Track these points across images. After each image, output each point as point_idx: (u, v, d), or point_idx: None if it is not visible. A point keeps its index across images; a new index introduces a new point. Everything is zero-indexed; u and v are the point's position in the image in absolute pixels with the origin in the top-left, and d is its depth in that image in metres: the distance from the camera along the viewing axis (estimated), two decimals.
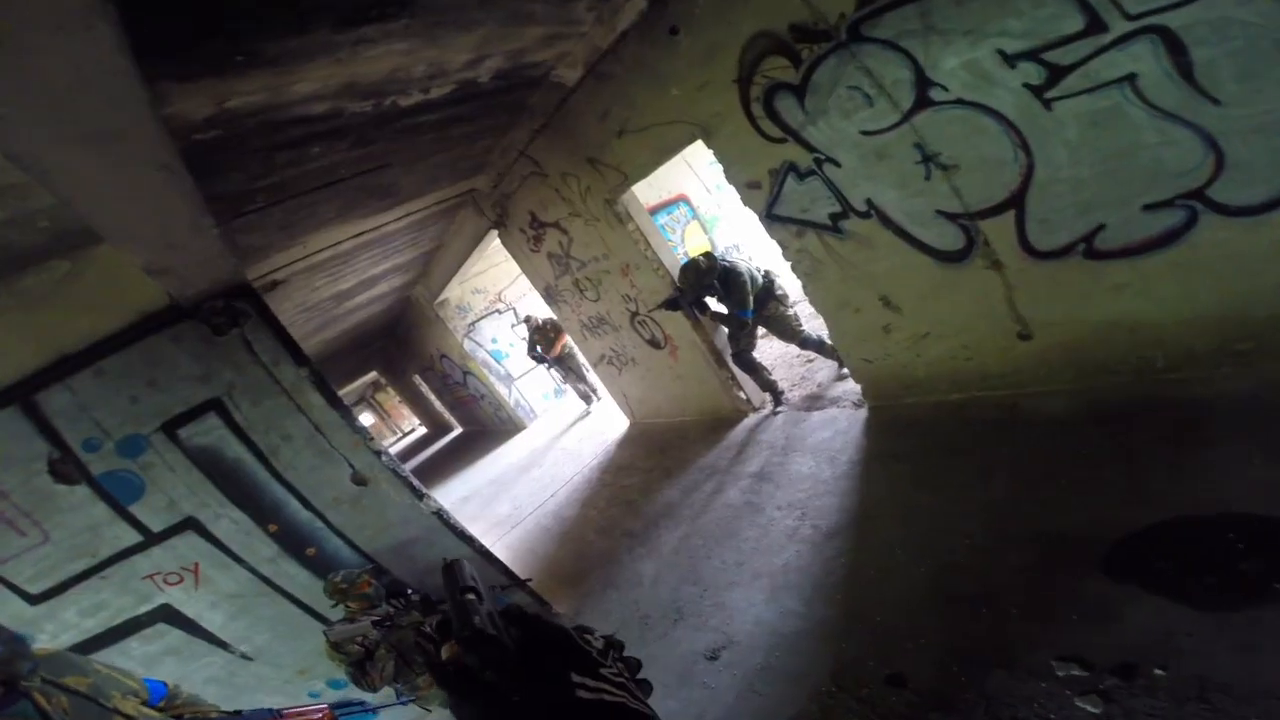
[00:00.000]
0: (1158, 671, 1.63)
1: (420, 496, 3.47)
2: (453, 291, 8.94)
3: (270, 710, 2.45)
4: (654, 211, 6.35)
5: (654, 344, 5.32)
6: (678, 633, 3.00)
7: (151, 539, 2.99)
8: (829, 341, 4.25)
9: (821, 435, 4.04)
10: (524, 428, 10.03)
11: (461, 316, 9.56)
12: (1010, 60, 2.38)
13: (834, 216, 3.27)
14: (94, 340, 2.85)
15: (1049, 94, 2.37)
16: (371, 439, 3.40)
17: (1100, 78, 2.25)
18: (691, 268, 4.36)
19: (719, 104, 3.30)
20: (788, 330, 4.53)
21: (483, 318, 9.85)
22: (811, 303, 3.88)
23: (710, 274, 4.30)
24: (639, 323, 5.29)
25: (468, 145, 4.36)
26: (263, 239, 3.91)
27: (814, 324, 4.58)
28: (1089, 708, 1.64)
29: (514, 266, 9.50)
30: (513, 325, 9.98)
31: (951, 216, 2.87)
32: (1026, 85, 2.39)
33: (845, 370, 4.30)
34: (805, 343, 4.54)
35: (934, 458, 3.17)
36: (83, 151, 1.40)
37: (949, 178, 2.76)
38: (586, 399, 8.19)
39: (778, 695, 2.34)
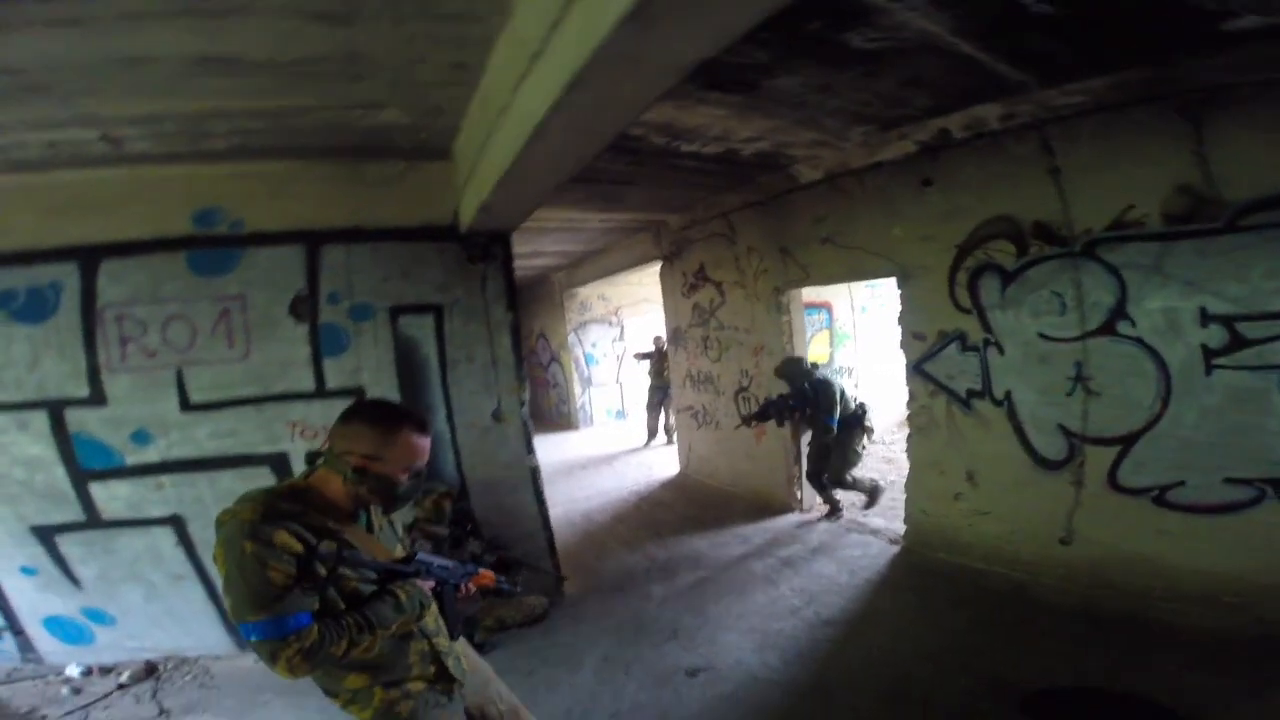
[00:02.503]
0: None
1: (530, 451, 3.99)
2: (585, 289, 9.81)
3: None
4: (809, 306, 6.89)
5: (746, 421, 5.80)
6: (668, 647, 3.37)
7: (321, 393, 3.41)
8: (881, 486, 4.75)
9: (852, 552, 4.39)
10: (578, 429, 10.62)
11: (580, 312, 10.43)
12: (1206, 319, 2.79)
13: (971, 392, 3.72)
14: (387, 226, 3.50)
15: (1217, 360, 2.79)
16: (527, 389, 3.97)
17: (1270, 359, 2.65)
18: (796, 361, 4.83)
19: (931, 259, 3.81)
20: (845, 459, 4.78)
21: (595, 321, 10.68)
22: (909, 452, 4.28)
23: (807, 375, 4.70)
24: (743, 397, 5.79)
25: (691, 190, 5.11)
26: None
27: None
28: None
29: (642, 291, 10.43)
30: (614, 340, 10.70)
31: (1068, 433, 3.30)
32: (1204, 345, 2.81)
33: (871, 507, 4.87)
34: (851, 480, 4.86)
35: (938, 601, 3.54)
36: (575, 135, 2.11)
37: (1087, 401, 3.21)
38: (652, 434, 8.64)
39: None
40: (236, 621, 1.21)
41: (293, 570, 1.21)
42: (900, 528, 4.42)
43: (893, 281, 4.18)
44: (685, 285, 6.40)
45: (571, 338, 10.44)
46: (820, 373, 4.81)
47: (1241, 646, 2.69)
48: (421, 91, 2.57)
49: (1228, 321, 2.74)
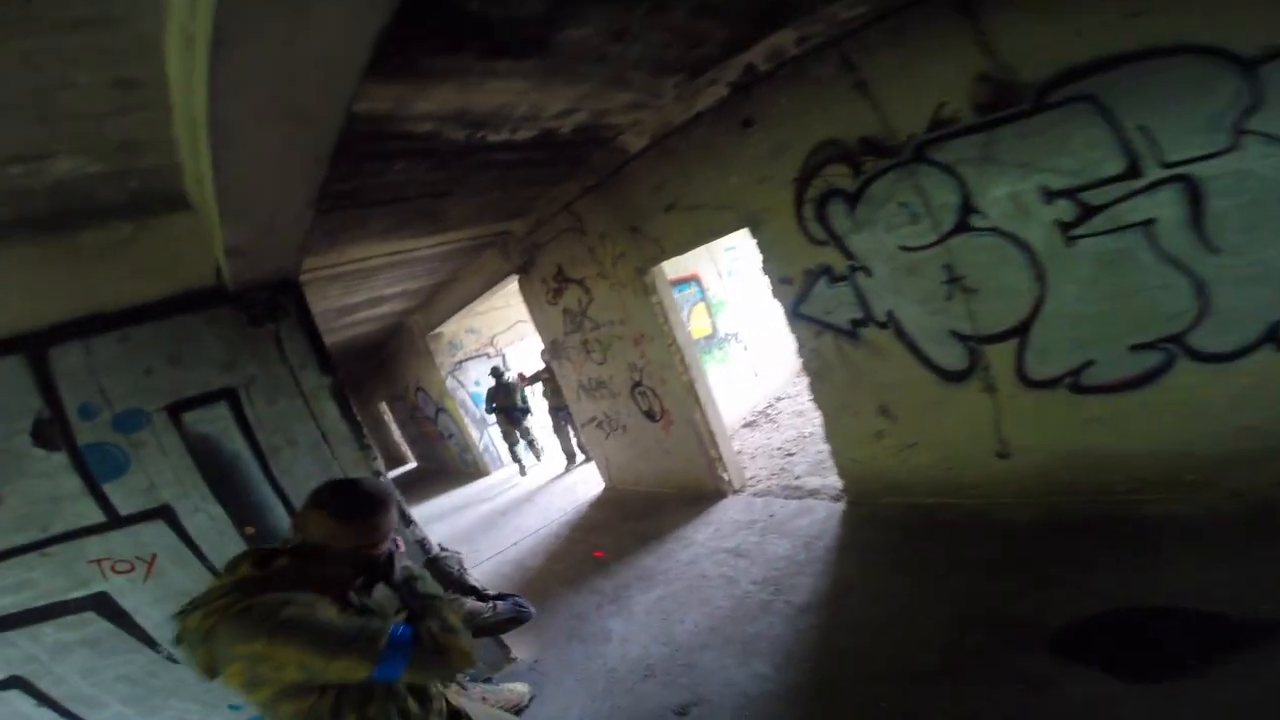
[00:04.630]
0: None
1: (409, 523, 3.41)
2: (449, 327, 9.03)
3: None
4: (677, 282, 6.66)
5: (650, 415, 5.46)
6: (646, 688, 2.99)
7: (116, 522, 2.79)
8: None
9: (799, 523, 4.17)
10: (488, 473, 9.86)
11: (451, 353, 9.61)
12: (1050, 196, 2.77)
13: (854, 322, 3.59)
14: (130, 305, 2.79)
15: (1074, 231, 2.76)
16: (376, 458, 3.39)
17: (1123, 220, 2.64)
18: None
19: (773, 199, 3.65)
20: None
21: (471, 358, 9.91)
22: (815, 401, 4.13)
23: None
24: (639, 393, 5.45)
25: (522, 189, 4.65)
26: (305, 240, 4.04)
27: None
28: None
29: (511, 313, 9.82)
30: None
31: (962, 338, 3.21)
32: (1057, 221, 2.78)
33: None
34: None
35: (905, 551, 3.38)
36: (273, 129, 1.54)
37: (968, 300, 3.12)
38: (570, 456, 8.14)
39: None
40: (364, 676, 1.24)
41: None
42: (837, 482, 4.26)
43: (745, 233, 3.99)
44: (548, 292, 5.95)
45: (450, 382, 9.60)
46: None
47: (1228, 527, 2.57)
48: (89, 125, 1.90)
49: (1071, 193, 2.73)
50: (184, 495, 2.87)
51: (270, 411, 3.05)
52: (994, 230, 2.95)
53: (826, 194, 3.42)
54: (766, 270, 3.93)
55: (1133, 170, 2.56)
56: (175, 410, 2.86)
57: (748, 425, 7.05)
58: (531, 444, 8.83)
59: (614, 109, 3.61)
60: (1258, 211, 2.38)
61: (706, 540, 4.46)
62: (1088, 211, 2.70)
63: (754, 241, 3.92)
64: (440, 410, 10.24)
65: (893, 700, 2.36)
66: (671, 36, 2.89)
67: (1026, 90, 2.70)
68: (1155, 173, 2.51)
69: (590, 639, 3.65)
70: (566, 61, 2.79)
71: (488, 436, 9.99)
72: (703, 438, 5.06)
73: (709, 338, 7.29)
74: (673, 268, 5.39)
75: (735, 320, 7.66)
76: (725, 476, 5.14)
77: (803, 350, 3.96)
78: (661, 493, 5.72)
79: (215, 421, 2.95)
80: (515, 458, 8.75)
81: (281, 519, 3.08)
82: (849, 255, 3.45)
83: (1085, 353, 2.91)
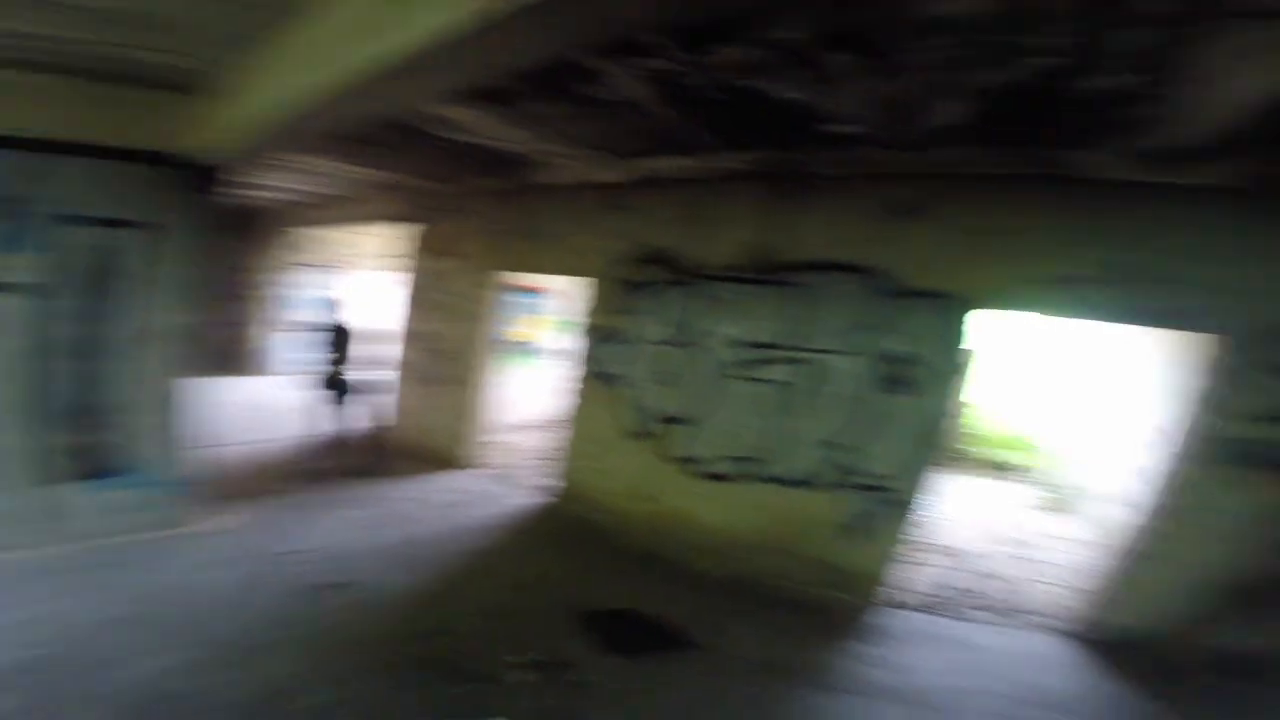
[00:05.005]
0: (571, 676, 3.16)
1: (189, 373, 4.33)
2: (314, 231, 9.50)
3: None
4: (525, 289, 7.74)
5: (442, 379, 6.53)
6: (296, 567, 4.00)
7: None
8: None
9: (507, 500, 5.58)
10: (267, 374, 9.92)
11: (298, 253, 9.94)
12: (740, 342, 4.38)
13: (614, 376, 5.13)
14: (105, 144, 3.63)
15: (738, 371, 4.40)
16: (199, 311, 4.26)
17: (764, 374, 4.28)
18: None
19: (612, 268, 5.08)
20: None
21: (312, 267, 10.17)
22: (571, 417, 5.48)
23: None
24: (447, 358, 6.51)
25: (445, 166, 5.59)
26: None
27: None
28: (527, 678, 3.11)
29: (371, 245, 10.20)
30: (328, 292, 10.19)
31: (655, 413, 4.85)
32: (734, 361, 4.40)
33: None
34: None
35: (562, 540, 4.80)
36: None
37: (669, 390, 4.81)
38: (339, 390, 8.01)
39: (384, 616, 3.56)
40: None
41: None
42: (558, 484, 5.58)
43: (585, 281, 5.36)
44: (434, 250, 6.79)
45: (291, 276, 9.83)
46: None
47: (723, 585, 4.19)
48: (204, 44, 2.97)
49: (751, 345, 4.33)
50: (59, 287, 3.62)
51: (157, 250, 3.90)
52: (706, 350, 4.57)
53: (642, 281, 4.87)
54: (587, 313, 5.30)
55: (788, 344, 4.18)
56: (88, 222, 3.65)
57: (529, 427, 8.09)
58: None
59: (551, 152, 4.70)
60: (824, 398, 4.10)
61: (423, 491, 5.58)
62: (752, 361, 4.33)
63: (586, 290, 5.29)
64: (260, 295, 10.18)
65: (480, 620, 3.57)
66: (607, 134, 4.06)
67: (775, 265, 4.20)
68: (797, 350, 4.14)
69: (274, 529, 4.53)
70: (525, 119, 3.93)
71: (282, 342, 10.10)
72: (465, 413, 6.25)
73: (529, 344, 8.44)
74: (527, 277, 6.61)
75: (559, 339, 8.61)
76: (472, 452, 6.34)
77: (580, 381, 5.35)
78: (421, 444, 6.62)
79: (117, 240, 3.77)
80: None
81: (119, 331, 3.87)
82: (632, 327, 4.97)
83: (708, 449, 4.59)
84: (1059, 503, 6.89)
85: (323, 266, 10.26)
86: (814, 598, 4.12)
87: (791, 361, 4.21)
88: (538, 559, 4.45)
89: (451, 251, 6.56)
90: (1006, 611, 4.23)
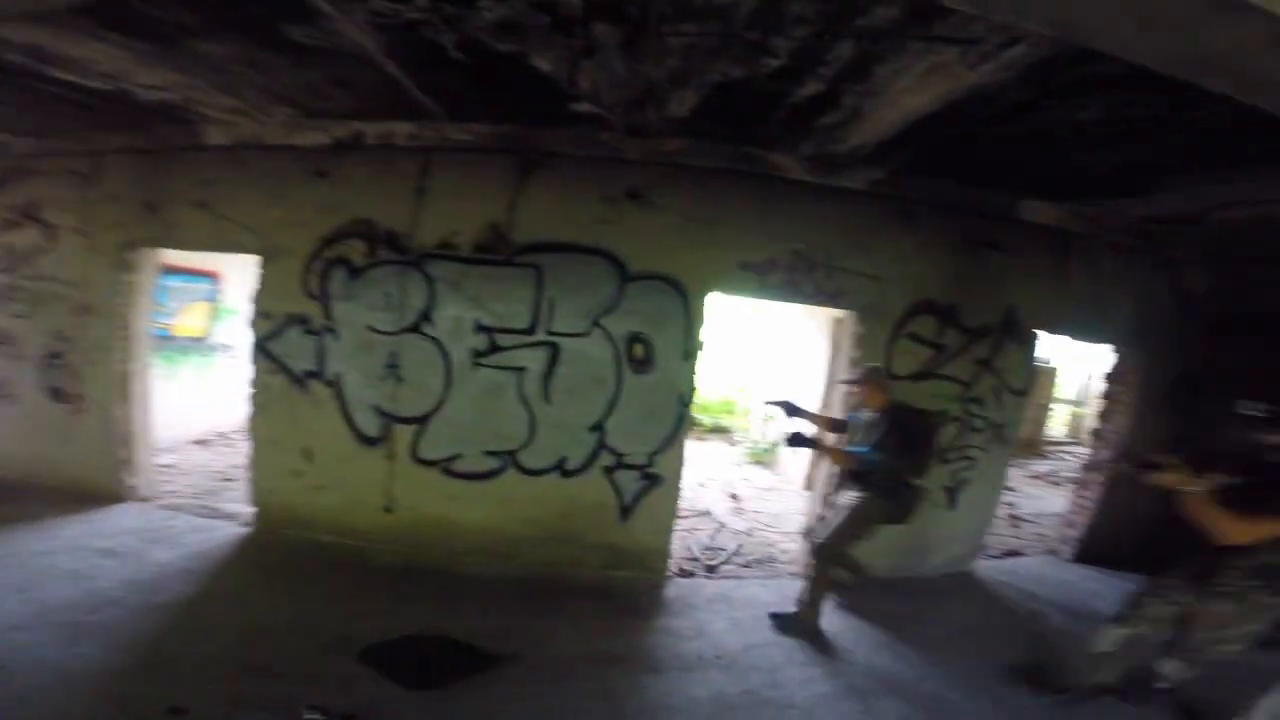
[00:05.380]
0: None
1: None
2: None
3: None
4: (173, 270, 6.00)
5: (57, 394, 4.72)
6: None
7: None
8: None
9: (196, 538, 4.25)
10: None
11: None
12: (479, 328, 3.99)
13: (308, 373, 4.19)
14: None
15: (480, 360, 4.03)
16: None
17: (509, 362, 4.01)
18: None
19: (298, 244, 4.11)
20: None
21: None
22: (249, 430, 4.40)
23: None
24: (54, 365, 4.71)
25: (53, 118, 4.12)
26: None
27: None
28: None
29: None
30: None
31: (382, 413, 4.18)
32: (474, 349, 4.02)
33: None
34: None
35: (286, 576, 3.84)
36: None
37: (396, 386, 4.14)
38: None
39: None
40: None
41: None
42: (263, 508, 4.49)
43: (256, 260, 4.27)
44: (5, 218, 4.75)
45: None
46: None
47: (510, 587, 3.88)
48: None
49: (490, 330, 3.98)
50: None
51: None
52: (434, 340, 4.05)
53: (338, 260, 4.07)
54: (255, 300, 4.23)
55: (531, 329, 3.98)
56: None
57: (200, 442, 6.59)
58: None
59: (212, 105, 3.71)
60: (577, 383, 4.04)
61: (77, 536, 4.05)
62: (494, 348, 4.01)
63: (259, 271, 4.21)
64: None
65: (223, 684, 2.73)
66: (302, 87, 3.32)
67: (511, 246, 3.90)
68: (541, 335, 3.98)
69: None
70: (184, 58, 2.94)
71: None
72: (117, 435, 4.66)
73: (199, 339, 6.71)
74: (189, 258, 5.08)
75: (238, 334, 7.10)
76: (132, 482, 4.75)
77: (256, 380, 4.28)
78: (40, 481, 4.79)
79: None
80: None
81: None
82: (328, 316, 4.12)
83: (458, 448, 4.18)
84: (763, 457, 8.19)
85: None
86: (610, 581, 4.12)
87: (539, 346, 4.05)
88: (271, 599, 3.54)
89: (41, 220, 4.71)
90: (765, 562, 4.84)
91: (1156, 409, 5.00)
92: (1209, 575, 2.64)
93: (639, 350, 4.07)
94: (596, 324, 4.03)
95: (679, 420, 4.17)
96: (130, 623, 3.15)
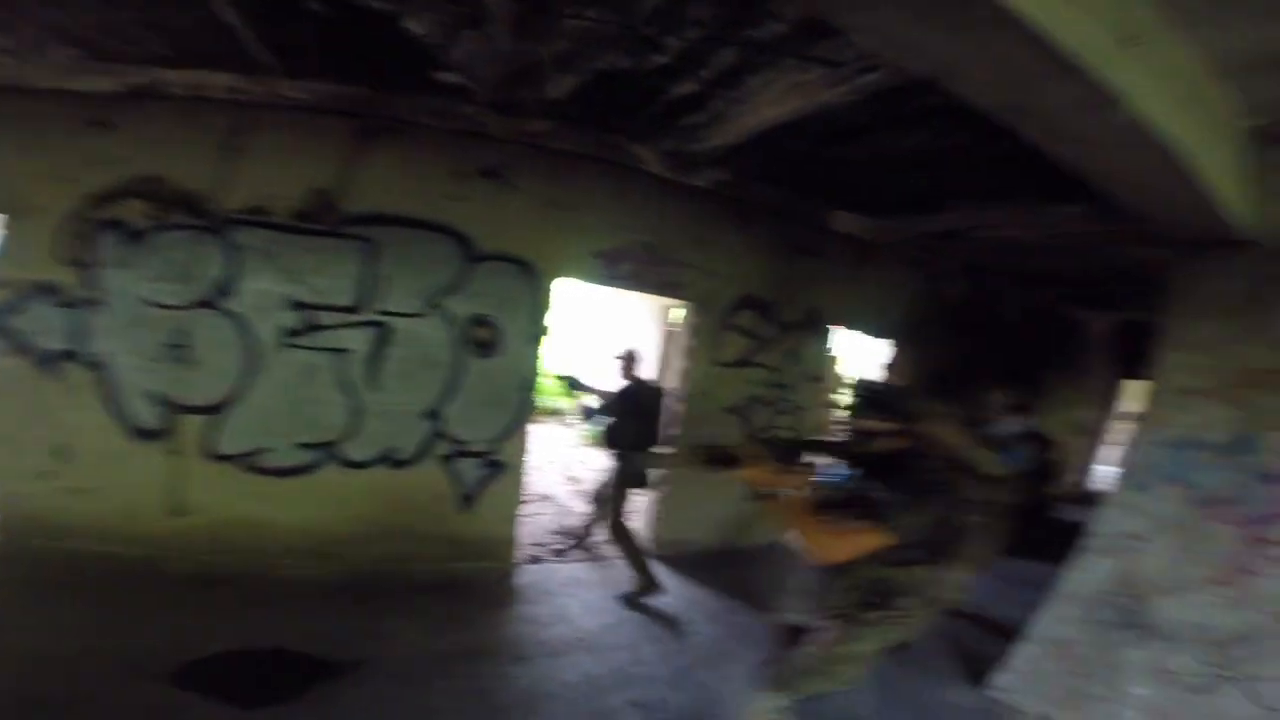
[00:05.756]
0: None
1: None
2: None
3: None
4: None
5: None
6: None
7: None
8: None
9: None
10: None
11: None
12: (293, 304, 3.48)
13: (63, 353, 3.37)
14: None
15: (293, 340, 3.53)
16: None
17: (330, 343, 3.56)
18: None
19: (50, 199, 3.31)
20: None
21: None
22: None
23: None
24: None
25: None
26: None
27: None
28: None
29: None
30: None
31: (164, 401, 3.49)
32: (284, 327, 3.50)
33: None
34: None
35: (51, 596, 3.08)
36: None
37: (182, 369, 3.48)
38: None
39: None
40: None
41: None
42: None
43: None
44: None
45: None
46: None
47: (339, 589, 3.51)
48: None
49: (306, 307, 3.51)
50: None
51: None
52: (233, 315, 3.47)
53: (111, 221, 3.32)
54: (17, 265, 3.31)
55: (357, 307, 3.58)
56: None
57: None
58: None
59: None
60: (409, 367, 3.72)
61: None
62: (311, 328, 3.53)
63: (3, 233, 3.30)
64: None
65: None
66: (104, 27, 2.80)
67: (336, 216, 3.49)
68: (369, 314, 3.60)
69: None
70: None
71: None
72: None
73: None
74: None
75: None
76: None
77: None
78: None
79: None
80: None
81: None
82: (94, 286, 3.35)
83: (266, 440, 3.62)
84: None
85: None
86: (454, 574, 3.91)
87: (366, 326, 3.67)
88: (48, 621, 2.83)
89: None
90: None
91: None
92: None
93: (484, 333, 3.92)
94: (436, 305, 3.78)
95: (523, 405, 4.10)
96: None
